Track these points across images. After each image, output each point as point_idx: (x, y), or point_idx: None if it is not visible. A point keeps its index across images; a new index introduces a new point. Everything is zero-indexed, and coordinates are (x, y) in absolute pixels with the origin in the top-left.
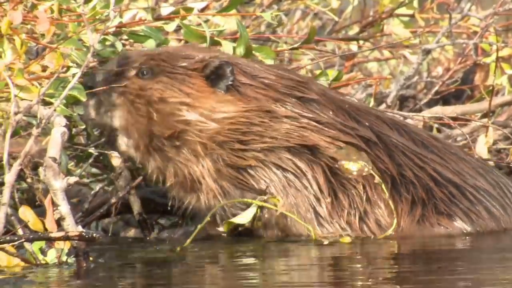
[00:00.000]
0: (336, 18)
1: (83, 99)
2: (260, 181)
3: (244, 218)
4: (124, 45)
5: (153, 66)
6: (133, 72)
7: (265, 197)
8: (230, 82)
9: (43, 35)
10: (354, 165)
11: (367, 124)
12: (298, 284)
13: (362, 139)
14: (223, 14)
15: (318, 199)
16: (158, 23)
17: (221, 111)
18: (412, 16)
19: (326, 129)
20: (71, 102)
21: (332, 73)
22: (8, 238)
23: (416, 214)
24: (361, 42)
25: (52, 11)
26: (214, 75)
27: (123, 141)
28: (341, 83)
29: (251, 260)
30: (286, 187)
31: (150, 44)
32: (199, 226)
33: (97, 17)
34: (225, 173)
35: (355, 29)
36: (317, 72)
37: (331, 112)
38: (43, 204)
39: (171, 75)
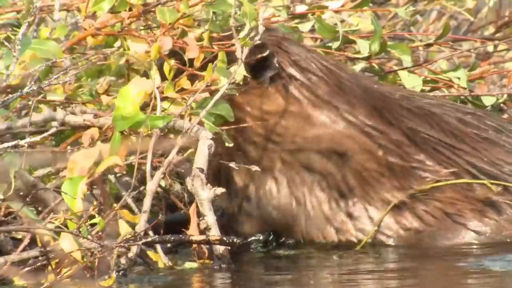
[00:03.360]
0: (472, 18)
1: (231, 119)
2: (282, 184)
3: None
4: None
5: None
6: None
7: None
8: (274, 73)
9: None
10: None
11: (398, 124)
12: None
13: (394, 142)
14: (357, 10)
15: (345, 197)
16: (292, 23)
17: (260, 108)
18: None
19: (358, 134)
20: (220, 123)
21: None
22: (150, 239)
23: None
24: (496, 42)
25: (202, 39)
26: (258, 65)
27: None
28: (475, 75)
29: None
30: (313, 186)
31: None
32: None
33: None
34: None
35: (491, 29)
36: None
37: (366, 118)
38: (181, 209)
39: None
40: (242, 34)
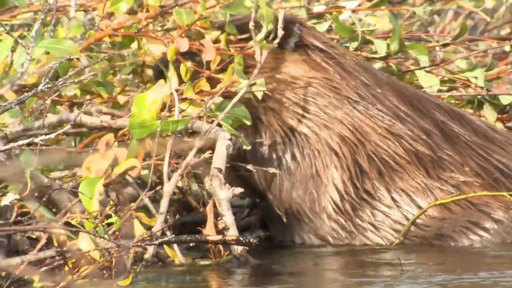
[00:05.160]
0: (488, 18)
1: (248, 122)
2: (304, 153)
3: None
4: None
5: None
6: None
7: None
8: (297, 39)
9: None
10: None
11: (429, 114)
12: None
13: (422, 129)
14: (375, 9)
15: (367, 181)
16: (310, 23)
17: (286, 72)
18: None
19: (384, 116)
20: (237, 125)
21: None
22: (166, 238)
23: None
24: None
25: (219, 41)
26: (282, 36)
27: None
28: (492, 75)
29: None
30: (326, 164)
31: None
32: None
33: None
34: (275, 125)
35: (507, 29)
36: None
37: (394, 99)
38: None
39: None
40: (259, 37)
